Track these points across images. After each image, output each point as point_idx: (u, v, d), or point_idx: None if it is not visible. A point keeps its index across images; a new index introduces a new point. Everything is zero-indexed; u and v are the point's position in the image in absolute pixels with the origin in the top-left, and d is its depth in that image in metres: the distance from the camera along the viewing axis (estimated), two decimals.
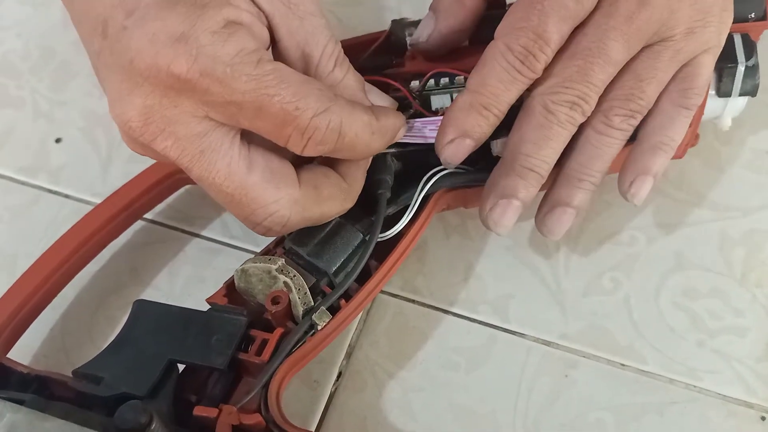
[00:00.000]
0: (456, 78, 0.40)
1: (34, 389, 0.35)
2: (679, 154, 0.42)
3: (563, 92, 0.36)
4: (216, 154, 0.33)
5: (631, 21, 0.36)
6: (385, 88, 0.40)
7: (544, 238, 0.39)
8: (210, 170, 0.33)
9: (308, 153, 0.34)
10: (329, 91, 0.33)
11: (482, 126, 0.37)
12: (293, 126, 0.32)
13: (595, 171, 0.38)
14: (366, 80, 0.38)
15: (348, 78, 0.36)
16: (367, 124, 0.34)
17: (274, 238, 0.39)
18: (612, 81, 0.37)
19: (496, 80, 0.36)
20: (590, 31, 0.36)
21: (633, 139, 0.39)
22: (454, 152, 0.37)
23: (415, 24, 0.42)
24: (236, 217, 0.35)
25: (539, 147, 0.37)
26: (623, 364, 0.40)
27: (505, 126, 0.38)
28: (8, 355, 0.37)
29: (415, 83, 0.40)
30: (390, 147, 0.38)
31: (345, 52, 0.43)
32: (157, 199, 0.43)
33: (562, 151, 0.37)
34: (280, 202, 0.34)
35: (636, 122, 0.38)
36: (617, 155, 0.38)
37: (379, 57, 0.42)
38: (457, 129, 0.37)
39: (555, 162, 0.37)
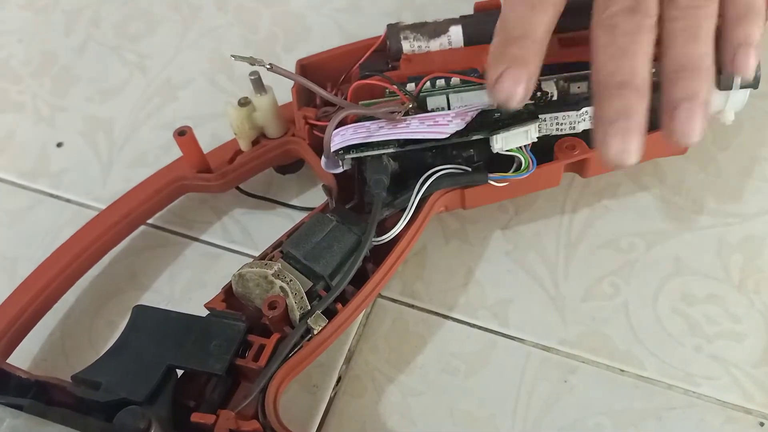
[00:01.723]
0: (451, 80, 0.40)
1: (32, 394, 0.35)
2: (682, 150, 0.42)
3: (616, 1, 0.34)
4: None
5: None
6: (381, 89, 0.40)
7: (682, 144, 0.35)
8: None
9: None
10: None
11: (526, 54, 0.35)
12: None
13: (699, 54, 0.34)
14: (363, 82, 0.38)
15: None
16: None
17: (272, 242, 0.39)
18: None
19: (514, 13, 0.36)
20: None
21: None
22: (510, 86, 0.35)
23: (410, 28, 0.42)
24: None
25: (625, 58, 0.34)
26: (622, 370, 0.40)
27: (504, 123, 0.38)
28: (8, 360, 0.37)
29: (411, 86, 0.40)
30: (387, 147, 0.38)
31: (343, 57, 0.43)
32: (159, 206, 0.43)
33: (643, 61, 0.34)
34: None
35: None
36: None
37: (376, 60, 0.43)
38: (499, 62, 0.35)
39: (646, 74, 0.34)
